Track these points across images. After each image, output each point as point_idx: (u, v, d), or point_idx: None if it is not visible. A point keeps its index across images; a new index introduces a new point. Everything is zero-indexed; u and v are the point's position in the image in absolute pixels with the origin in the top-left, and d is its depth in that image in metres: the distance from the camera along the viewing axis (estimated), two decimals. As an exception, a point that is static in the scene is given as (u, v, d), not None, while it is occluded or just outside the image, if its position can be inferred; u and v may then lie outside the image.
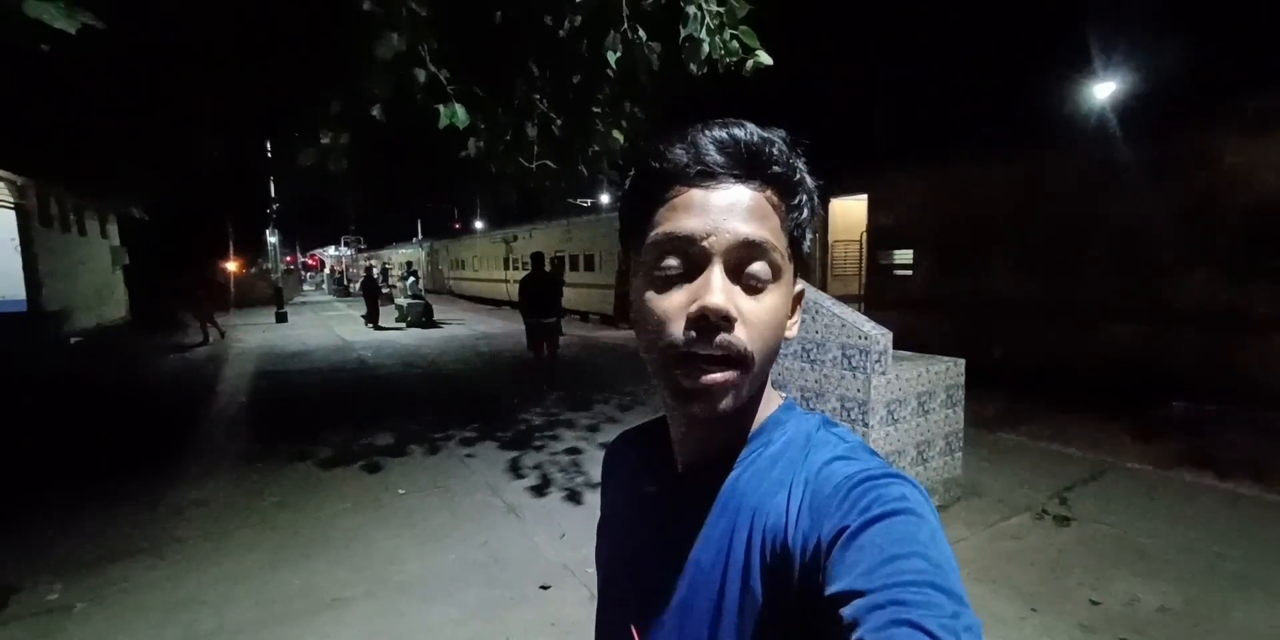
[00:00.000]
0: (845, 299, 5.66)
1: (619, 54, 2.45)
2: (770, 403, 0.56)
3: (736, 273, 0.47)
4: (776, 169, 0.48)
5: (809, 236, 0.53)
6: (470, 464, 4.50)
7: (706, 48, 2.23)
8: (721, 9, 2.19)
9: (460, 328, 14.23)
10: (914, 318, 7.72)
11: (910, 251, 8.27)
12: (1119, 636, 2.36)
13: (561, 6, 2.53)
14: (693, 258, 0.47)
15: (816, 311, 3.44)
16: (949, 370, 3.57)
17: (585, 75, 2.81)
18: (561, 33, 2.65)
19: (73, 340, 9.73)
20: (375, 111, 2.56)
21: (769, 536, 0.47)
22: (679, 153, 0.48)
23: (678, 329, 0.46)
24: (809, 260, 0.49)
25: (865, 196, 8.93)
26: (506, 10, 2.65)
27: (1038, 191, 6.72)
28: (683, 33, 2.22)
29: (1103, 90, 9.16)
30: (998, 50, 8.92)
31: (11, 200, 8.39)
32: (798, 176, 0.50)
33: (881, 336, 3.20)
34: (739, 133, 0.48)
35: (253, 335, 13.06)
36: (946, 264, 7.69)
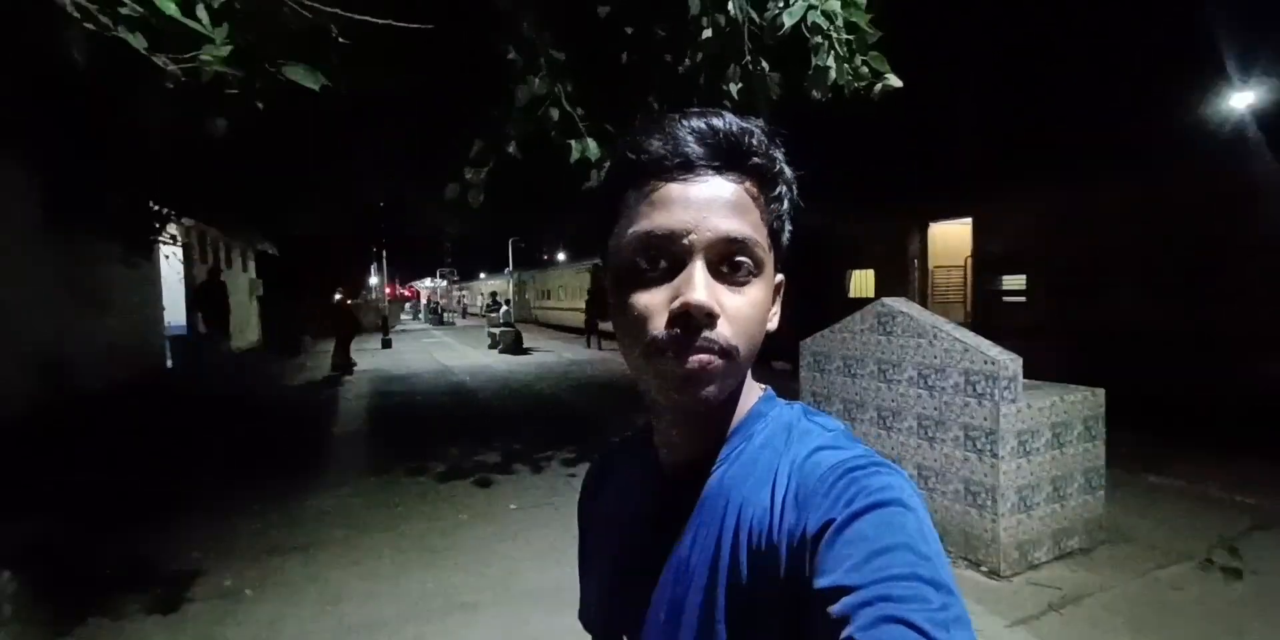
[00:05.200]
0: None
1: (740, 85, 2.58)
2: (751, 396, 0.55)
3: (718, 268, 0.46)
4: (756, 160, 0.47)
5: (788, 228, 0.52)
6: (573, 483, 4.61)
7: (833, 74, 2.31)
8: (851, 37, 2.27)
9: (549, 355, 14.70)
10: (1029, 346, 7.20)
11: (1022, 276, 7.80)
12: (1325, 706, 2.06)
13: (684, 44, 2.72)
14: (673, 255, 0.46)
15: (935, 336, 3.33)
16: (1087, 400, 3.32)
17: (702, 106, 2.97)
18: (681, 69, 2.83)
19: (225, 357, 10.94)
20: (512, 149, 2.83)
21: (755, 531, 0.47)
22: (656, 144, 0.46)
23: (659, 325, 0.45)
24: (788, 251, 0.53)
25: (969, 220, 8.57)
26: (632, 52, 2.88)
27: (1173, 211, 6.19)
28: (813, 62, 2.32)
29: (1241, 101, 8.40)
30: (1118, 59, 8.39)
31: (176, 238, 9.70)
32: (777, 167, 0.49)
33: (1010, 362, 3.05)
34: (717, 122, 0.46)
35: (364, 359, 14.10)
36: (1066, 289, 7.17)
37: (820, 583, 0.39)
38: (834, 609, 0.37)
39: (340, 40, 1.63)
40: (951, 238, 9.37)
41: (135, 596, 2.89)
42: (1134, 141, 7.08)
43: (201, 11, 1.41)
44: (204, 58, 1.41)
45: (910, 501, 0.42)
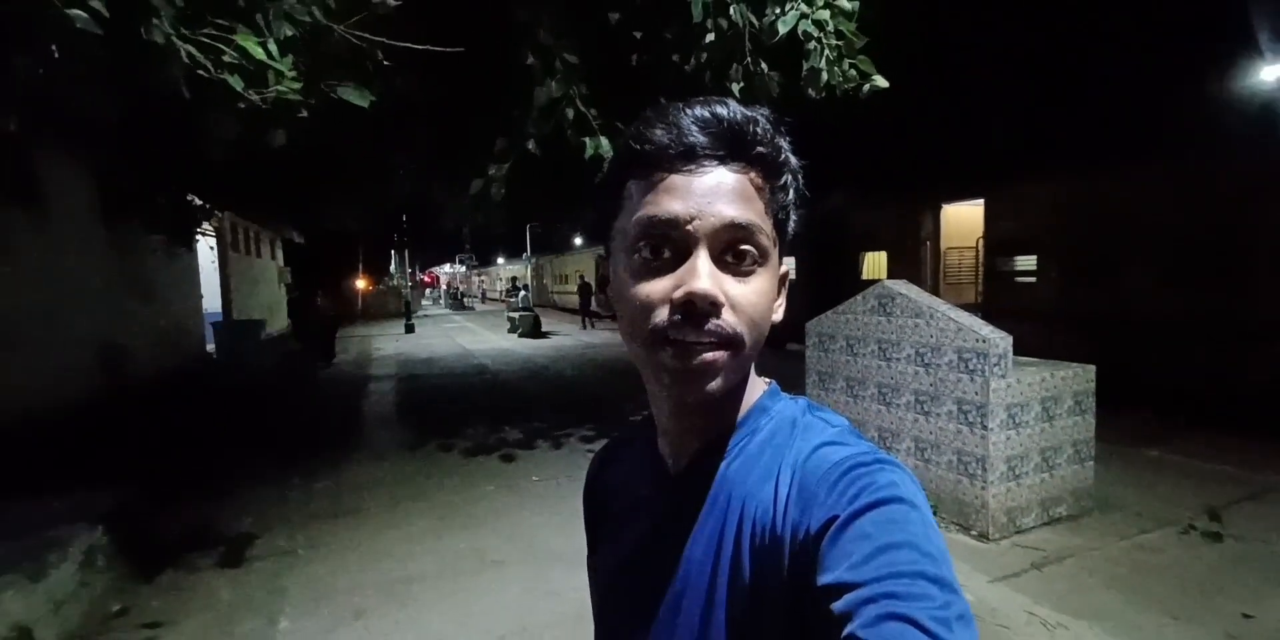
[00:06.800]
0: (961, 307, 5.53)
1: (742, 84, 2.76)
2: (755, 390, 0.55)
3: (722, 256, 0.46)
4: (761, 149, 0.46)
5: (793, 218, 0.51)
6: (590, 458, 4.90)
7: (825, 76, 2.49)
8: (840, 43, 2.44)
9: (566, 338, 15.03)
10: (1038, 327, 7.29)
11: (1033, 258, 7.84)
12: (1275, 650, 2.26)
13: (690, 46, 2.90)
14: (677, 242, 0.45)
15: (931, 316, 3.51)
16: (1077, 376, 3.49)
17: (707, 103, 3.15)
18: (688, 68, 3.01)
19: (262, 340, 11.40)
20: (531, 146, 3.05)
21: (758, 525, 0.47)
22: (660, 133, 0.46)
23: (663, 315, 0.45)
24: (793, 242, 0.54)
25: (981, 201, 8.60)
26: (641, 55, 3.07)
27: (1186, 194, 6.19)
28: (805, 65, 2.50)
29: (1270, 74, 8.20)
30: (1135, 39, 8.24)
31: (213, 228, 10.11)
32: (782, 157, 0.48)
33: (1000, 339, 3.23)
34: (721, 111, 0.46)
35: (388, 344, 14.58)
36: (1077, 271, 7.22)
37: (823, 579, 0.39)
38: (837, 606, 0.37)
39: (385, 63, 1.86)
40: (965, 219, 9.39)
41: (203, 554, 3.25)
42: (1149, 124, 7.03)
43: (271, 45, 1.66)
44: (279, 88, 1.66)
45: (914, 499, 0.42)
